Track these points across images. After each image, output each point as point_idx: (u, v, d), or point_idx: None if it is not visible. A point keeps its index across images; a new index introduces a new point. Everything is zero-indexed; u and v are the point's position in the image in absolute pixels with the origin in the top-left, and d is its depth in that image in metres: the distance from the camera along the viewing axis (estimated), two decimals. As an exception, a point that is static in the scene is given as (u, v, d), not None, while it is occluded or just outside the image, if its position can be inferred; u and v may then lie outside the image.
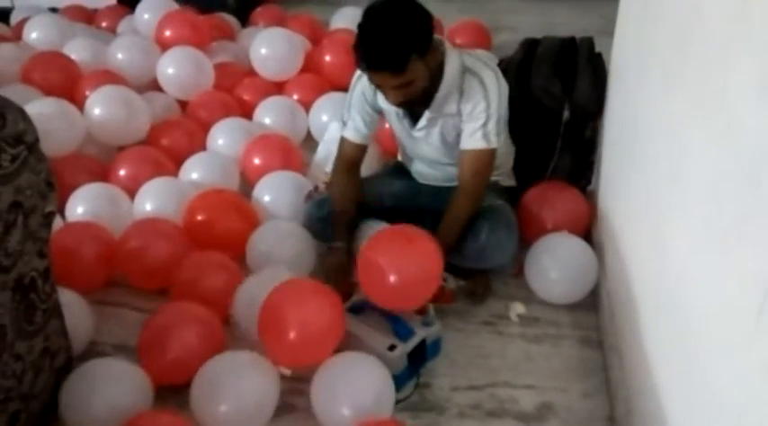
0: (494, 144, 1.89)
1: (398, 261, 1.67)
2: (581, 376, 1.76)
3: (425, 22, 1.74)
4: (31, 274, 1.44)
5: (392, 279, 1.65)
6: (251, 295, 1.79)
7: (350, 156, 2.08)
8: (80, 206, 2.18)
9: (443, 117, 1.92)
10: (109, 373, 1.60)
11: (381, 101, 1.98)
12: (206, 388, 1.57)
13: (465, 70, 1.86)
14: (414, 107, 1.92)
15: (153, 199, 2.23)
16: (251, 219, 2.18)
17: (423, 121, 1.95)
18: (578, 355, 1.83)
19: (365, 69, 1.75)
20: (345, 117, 2.07)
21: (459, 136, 1.95)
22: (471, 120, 1.87)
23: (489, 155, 1.90)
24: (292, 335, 1.59)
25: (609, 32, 2.20)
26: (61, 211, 2.18)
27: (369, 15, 1.73)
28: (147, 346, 1.70)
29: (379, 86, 1.80)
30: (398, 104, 1.84)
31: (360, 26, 1.73)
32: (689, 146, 1.22)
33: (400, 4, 1.72)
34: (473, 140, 1.88)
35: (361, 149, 2.09)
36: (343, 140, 2.09)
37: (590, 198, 2.24)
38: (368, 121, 2.04)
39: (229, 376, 1.58)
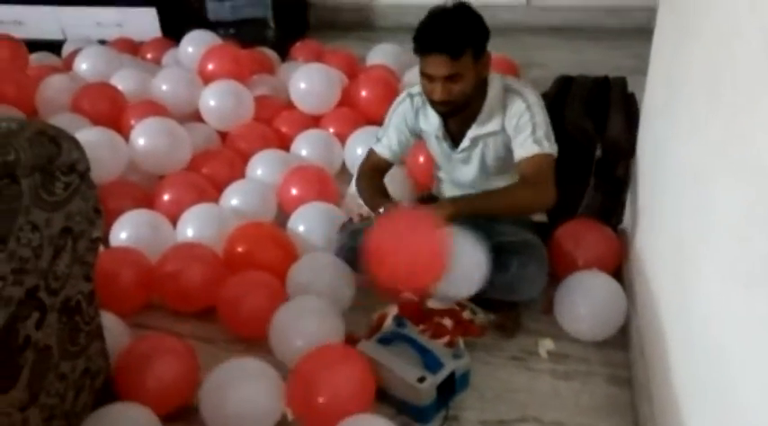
0: (547, 148, 1.90)
1: (403, 239, 1.74)
2: (609, 413, 1.76)
3: (485, 30, 1.85)
4: (77, 297, 1.50)
5: (398, 257, 1.71)
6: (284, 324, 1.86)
7: (375, 165, 2.16)
8: (123, 231, 2.26)
9: (485, 138, 1.98)
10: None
11: (423, 123, 2.05)
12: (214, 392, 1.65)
13: (507, 89, 1.94)
14: (454, 125, 1.99)
15: (194, 226, 2.30)
16: (290, 252, 2.22)
17: (465, 142, 2.00)
18: (607, 392, 1.83)
19: (421, 53, 1.82)
20: (380, 134, 2.15)
21: (498, 159, 2.01)
22: (519, 132, 1.92)
23: (547, 159, 1.91)
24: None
25: (642, 71, 2.22)
26: (106, 236, 2.26)
27: (434, 10, 1.83)
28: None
29: (428, 78, 1.84)
30: (441, 105, 1.89)
31: (423, 20, 1.83)
32: (716, 189, 1.24)
33: (466, 6, 1.84)
34: (525, 149, 1.92)
35: (386, 164, 2.17)
36: (371, 153, 2.17)
37: (621, 236, 2.25)
38: (402, 142, 2.12)
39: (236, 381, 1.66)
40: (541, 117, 1.92)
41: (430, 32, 1.80)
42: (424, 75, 1.86)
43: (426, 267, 1.75)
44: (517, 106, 1.92)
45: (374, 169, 2.17)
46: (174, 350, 1.79)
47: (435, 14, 1.82)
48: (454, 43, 1.78)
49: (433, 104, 1.92)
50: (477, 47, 1.82)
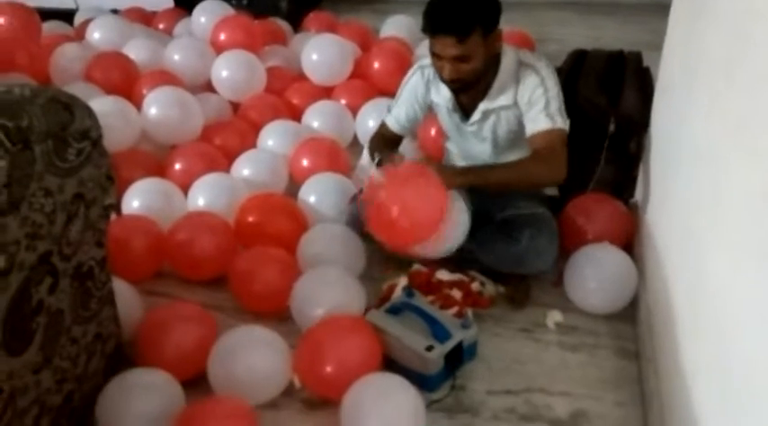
0: (559, 124, 1.89)
1: (407, 193, 1.78)
2: (616, 385, 1.77)
3: (494, 7, 1.81)
4: (90, 263, 1.52)
5: (399, 215, 1.75)
6: (307, 292, 1.87)
7: (385, 136, 2.19)
8: (136, 200, 2.28)
9: (497, 111, 1.97)
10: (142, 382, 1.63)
11: (434, 94, 2.05)
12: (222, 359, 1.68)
13: (520, 63, 1.92)
14: (466, 98, 1.97)
15: (205, 195, 2.31)
16: (301, 222, 2.23)
17: (476, 115, 1.99)
18: (614, 365, 1.84)
19: (429, 32, 1.80)
20: (391, 106, 2.16)
21: (510, 132, 2.00)
22: (532, 107, 1.91)
23: (560, 134, 1.90)
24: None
25: (657, 47, 2.20)
26: (118, 204, 2.28)
27: None
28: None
29: (437, 57, 1.83)
30: (451, 83, 1.88)
31: None
32: (730, 166, 1.23)
33: None
34: (538, 123, 1.90)
35: (397, 137, 2.19)
36: (383, 124, 2.20)
37: (632, 210, 2.25)
38: (410, 116, 2.12)
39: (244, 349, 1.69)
40: (555, 91, 1.90)
41: (437, 13, 1.77)
42: (434, 54, 1.85)
43: (426, 223, 1.78)
44: (531, 80, 1.90)
45: (384, 139, 2.19)
46: (194, 317, 1.82)
47: None
48: (461, 25, 1.75)
49: (444, 81, 1.91)
50: (486, 25, 1.79)
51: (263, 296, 1.97)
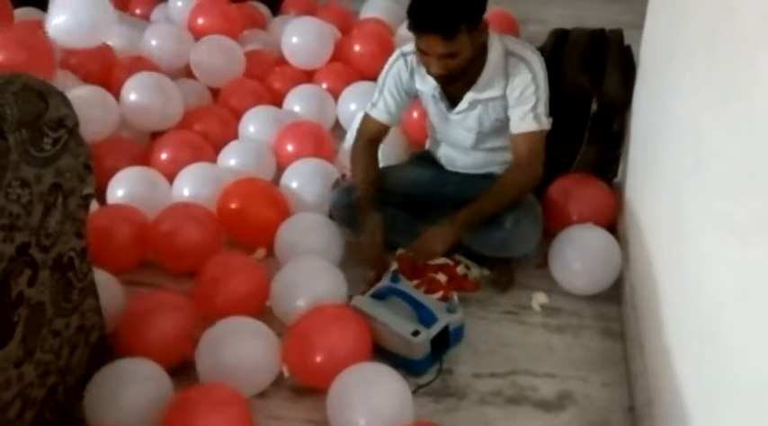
0: (545, 125, 1.90)
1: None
2: (601, 366, 1.78)
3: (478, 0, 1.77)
4: (69, 254, 1.49)
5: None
6: (287, 283, 1.86)
7: (372, 134, 2.12)
8: (120, 189, 2.26)
9: (485, 101, 1.94)
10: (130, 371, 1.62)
11: (419, 82, 2.01)
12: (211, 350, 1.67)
13: (508, 53, 1.89)
14: (452, 88, 1.94)
15: (190, 184, 2.29)
16: (282, 209, 2.21)
17: (463, 104, 1.96)
18: (599, 345, 1.85)
19: (415, 31, 1.77)
20: (375, 98, 2.09)
21: (496, 121, 1.98)
22: (521, 104, 1.89)
23: (542, 137, 1.92)
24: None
25: (638, 26, 2.19)
26: (103, 193, 2.25)
27: None
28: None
29: (424, 53, 1.80)
30: (438, 78, 1.85)
31: None
32: (713, 142, 1.23)
33: None
34: (525, 123, 1.90)
35: (384, 130, 2.12)
36: (367, 118, 2.12)
37: (616, 190, 2.25)
38: (398, 103, 2.07)
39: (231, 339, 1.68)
40: (544, 88, 1.89)
41: (421, 12, 1.73)
42: (420, 50, 1.81)
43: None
44: (522, 76, 1.87)
45: (370, 139, 2.12)
46: (175, 304, 1.80)
47: None
48: (447, 23, 1.71)
49: (431, 74, 1.87)
50: (471, 21, 1.75)
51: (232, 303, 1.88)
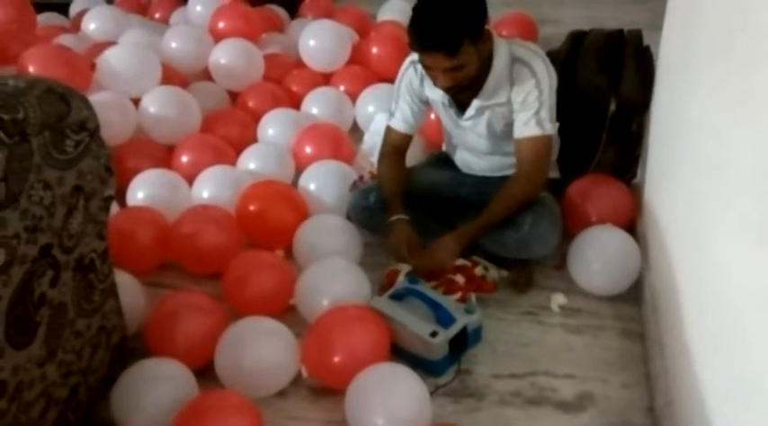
0: (549, 130, 1.89)
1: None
2: (621, 367, 1.77)
3: (481, 8, 1.74)
4: (91, 255, 1.51)
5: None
6: (313, 283, 1.88)
7: (396, 145, 2.12)
8: (140, 191, 2.28)
9: (492, 107, 1.94)
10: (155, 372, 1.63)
11: (428, 90, 2.00)
12: (229, 350, 1.68)
13: (514, 60, 1.87)
14: (461, 95, 1.93)
15: (210, 187, 2.31)
16: (300, 211, 2.23)
17: (471, 111, 1.96)
18: (619, 346, 1.83)
19: (418, 49, 1.75)
20: (393, 107, 2.10)
21: (506, 126, 1.97)
22: (524, 109, 1.88)
23: (546, 142, 1.91)
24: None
25: (657, 27, 2.18)
26: (123, 195, 2.28)
27: (418, 3, 1.73)
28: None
29: (429, 68, 1.79)
30: (447, 89, 1.85)
31: (415, 7, 1.73)
32: (731, 143, 1.22)
33: None
34: (528, 128, 1.89)
35: (407, 139, 2.12)
36: (389, 130, 2.12)
37: (635, 191, 2.24)
38: (415, 112, 2.07)
39: (250, 338, 1.69)
40: (548, 92, 1.87)
41: (421, 31, 1.70)
42: (425, 65, 1.80)
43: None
44: (526, 82, 1.86)
45: (395, 150, 2.12)
46: (204, 306, 1.82)
47: (422, 8, 1.72)
48: (449, 41, 1.68)
49: (437, 86, 1.86)
50: (474, 34, 1.72)
51: (258, 301, 1.91)
